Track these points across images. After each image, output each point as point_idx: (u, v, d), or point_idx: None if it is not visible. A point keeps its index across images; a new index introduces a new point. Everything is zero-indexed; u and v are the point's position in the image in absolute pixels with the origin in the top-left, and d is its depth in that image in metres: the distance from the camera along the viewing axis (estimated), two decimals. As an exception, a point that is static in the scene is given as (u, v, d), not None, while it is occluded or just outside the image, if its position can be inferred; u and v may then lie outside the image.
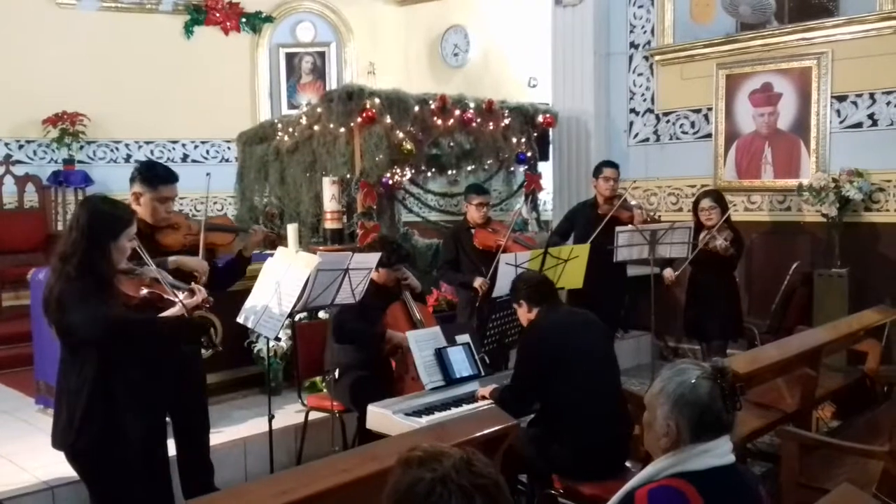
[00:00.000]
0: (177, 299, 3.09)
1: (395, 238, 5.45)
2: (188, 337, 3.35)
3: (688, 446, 2.01)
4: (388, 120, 6.41)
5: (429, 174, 7.35)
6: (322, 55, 10.11)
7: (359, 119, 6.34)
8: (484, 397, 3.75)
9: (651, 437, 2.10)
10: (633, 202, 6.26)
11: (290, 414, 4.85)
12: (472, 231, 5.59)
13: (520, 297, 3.79)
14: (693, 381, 2.04)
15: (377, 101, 6.38)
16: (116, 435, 3.00)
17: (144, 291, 3.10)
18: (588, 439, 3.36)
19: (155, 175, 3.64)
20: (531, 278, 3.96)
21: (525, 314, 3.77)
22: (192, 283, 3.26)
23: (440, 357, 3.90)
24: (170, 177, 3.68)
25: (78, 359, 2.98)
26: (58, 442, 3.04)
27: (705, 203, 5.63)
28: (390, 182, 6.55)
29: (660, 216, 6.16)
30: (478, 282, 5.34)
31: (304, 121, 6.95)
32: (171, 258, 3.54)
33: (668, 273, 5.74)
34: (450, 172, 7.43)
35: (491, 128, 7.22)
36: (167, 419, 3.76)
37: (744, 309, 6.05)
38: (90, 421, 2.94)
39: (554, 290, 3.95)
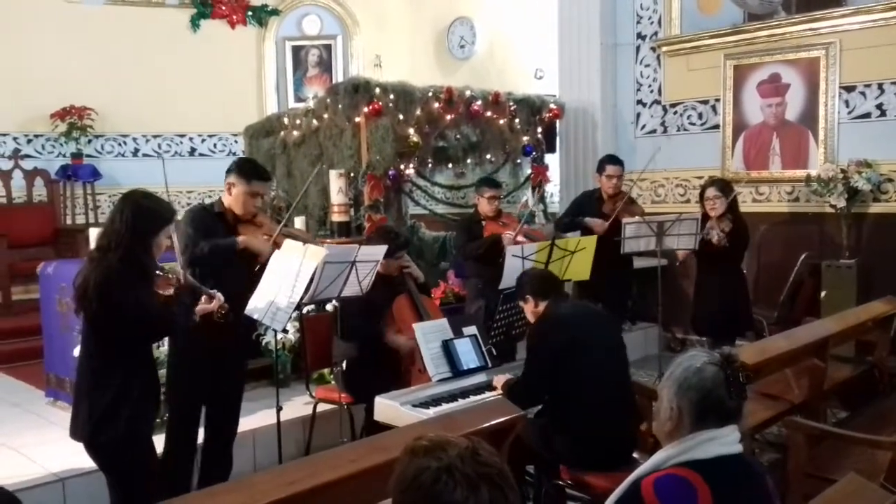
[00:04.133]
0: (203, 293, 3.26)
1: (392, 227, 5.45)
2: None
3: (693, 433, 2.01)
4: (395, 112, 6.41)
5: (436, 165, 7.34)
6: (328, 48, 10.11)
7: (365, 111, 6.34)
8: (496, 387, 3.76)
9: (658, 423, 2.10)
10: (633, 196, 6.25)
11: (298, 406, 4.88)
12: (483, 223, 5.58)
13: (525, 293, 3.76)
14: (699, 365, 2.04)
15: (383, 93, 6.38)
16: (137, 429, 3.04)
17: (171, 290, 3.17)
18: (595, 430, 3.36)
19: (251, 169, 3.84)
20: (536, 273, 3.98)
21: (532, 309, 3.75)
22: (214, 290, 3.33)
23: (447, 349, 3.91)
24: (263, 173, 3.89)
25: (100, 351, 3.01)
26: (77, 434, 3.06)
27: (710, 192, 5.52)
28: (400, 173, 6.55)
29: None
30: (506, 238, 5.20)
31: (310, 114, 6.96)
32: (241, 238, 3.74)
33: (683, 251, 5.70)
34: (461, 164, 7.41)
35: (497, 119, 7.22)
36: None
37: (751, 300, 5.95)
38: (112, 416, 2.96)
39: (559, 283, 3.94)
